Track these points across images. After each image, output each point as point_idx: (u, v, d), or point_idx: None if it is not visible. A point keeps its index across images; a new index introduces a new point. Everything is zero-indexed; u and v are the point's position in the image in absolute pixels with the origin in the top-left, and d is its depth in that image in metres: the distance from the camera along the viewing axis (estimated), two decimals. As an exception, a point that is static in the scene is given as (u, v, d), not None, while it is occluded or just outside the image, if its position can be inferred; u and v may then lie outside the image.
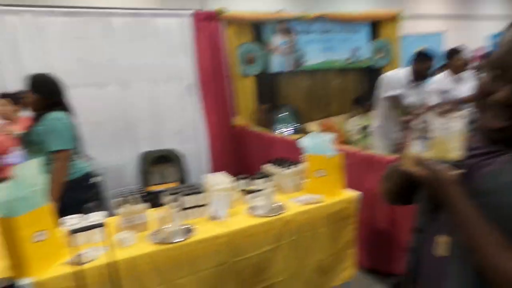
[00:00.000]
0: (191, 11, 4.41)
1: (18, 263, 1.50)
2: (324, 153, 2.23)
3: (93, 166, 2.82)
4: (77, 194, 2.43)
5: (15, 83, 3.70)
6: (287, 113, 5.04)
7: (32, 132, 2.42)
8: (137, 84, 4.26)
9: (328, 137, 2.24)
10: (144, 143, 4.36)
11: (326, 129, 5.11)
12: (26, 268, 1.49)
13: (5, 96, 3.34)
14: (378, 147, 3.60)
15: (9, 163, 3.03)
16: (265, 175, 2.28)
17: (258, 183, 2.26)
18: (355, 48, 5.49)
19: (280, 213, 2.05)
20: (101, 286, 1.56)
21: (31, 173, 1.57)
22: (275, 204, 2.13)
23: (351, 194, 2.31)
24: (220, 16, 4.49)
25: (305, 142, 2.31)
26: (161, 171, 4.35)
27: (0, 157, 3.24)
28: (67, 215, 1.96)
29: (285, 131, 4.86)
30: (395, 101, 3.47)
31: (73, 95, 3.95)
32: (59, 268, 1.57)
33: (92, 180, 2.63)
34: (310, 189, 2.37)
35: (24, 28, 3.75)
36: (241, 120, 4.75)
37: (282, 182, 2.37)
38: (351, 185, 2.41)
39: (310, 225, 2.13)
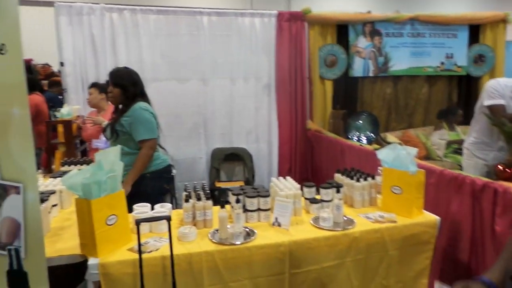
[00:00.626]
0: (276, 12, 4.39)
1: (89, 243, 1.59)
2: (405, 168, 2.02)
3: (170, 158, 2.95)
4: (159, 184, 2.56)
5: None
6: (363, 120, 4.76)
7: (118, 123, 2.51)
8: (216, 81, 4.37)
9: (411, 151, 2.03)
10: (216, 139, 4.47)
11: (406, 141, 4.72)
12: (95, 249, 1.57)
13: (94, 85, 3.65)
14: (468, 167, 3.17)
15: (96, 147, 3.30)
16: (335, 185, 2.14)
17: (326, 193, 2.13)
18: (449, 54, 4.99)
19: (347, 228, 1.90)
20: (157, 277, 1.59)
21: (110, 160, 1.65)
22: (343, 218, 1.99)
23: (430, 217, 2.07)
24: (305, 17, 4.40)
25: (384, 154, 2.12)
26: (229, 169, 4.42)
27: (89, 141, 3.56)
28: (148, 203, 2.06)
29: (359, 139, 4.60)
30: (500, 112, 2.95)
31: (156, 88, 4.24)
32: (123, 253, 1.64)
33: (173, 172, 2.78)
34: (383, 206, 2.18)
35: (122, 24, 4.08)
36: (315, 124, 4.62)
37: (353, 195, 2.21)
38: (430, 207, 2.16)
39: (380, 245, 1.94)
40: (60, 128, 3.36)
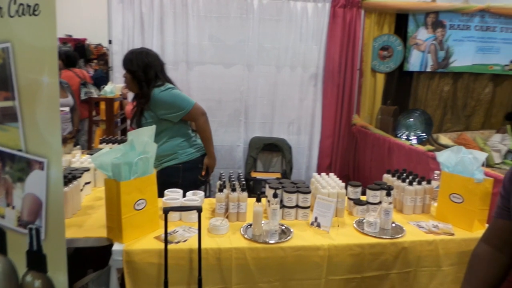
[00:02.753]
0: (330, -4, 4.13)
1: (115, 227, 1.51)
2: (469, 175, 1.76)
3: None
4: (193, 176, 2.32)
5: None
6: (415, 119, 4.40)
7: (143, 117, 2.22)
8: (261, 68, 4.21)
9: (479, 156, 1.76)
10: (256, 128, 4.33)
11: (462, 144, 4.30)
12: (121, 234, 1.48)
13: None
14: None
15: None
16: (385, 187, 1.91)
17: (374, 195, 1.91)
18: (521, 52, 4.47)
19: (396, 237, 1.68)
20: (182, 270, 1.48)
21: (143, 141, 1.55)
22: (391, 225, 1.77)
23: (495, 233, 1.79)
24: (362, 3, 4.10)
25: (445, 156, 1.87)
26: (267, 159, 4.27)
27: (130, 117, 3.54)
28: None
29: (409, 138, 4.26)
30: None
31: (200, 71, 4.16)
32: (149, 241, 1.54)
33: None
34: (438, 215, 1.93)
35: (172, 4, 4.01)
36: (361, 119, 4.34)
37: (403, 199, 1.98)
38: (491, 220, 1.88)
39: (433, 259, 1.71)
40: (102, 106, 3.37)
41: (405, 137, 4.23)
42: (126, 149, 1.49)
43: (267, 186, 1.92)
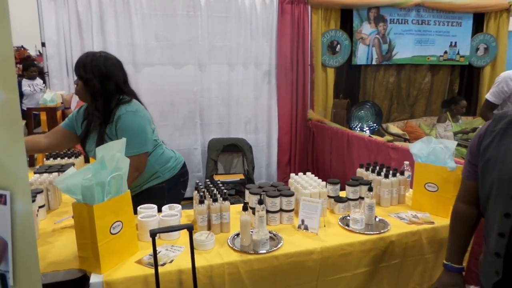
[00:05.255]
0: (277, -8, 4.11)
1: (90, 256, 1.32)
2: (442, 164, 1.82)
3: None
4: (176, 192, 2.04)
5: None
6: (367, 110, 4.57)
7: (103, 138, 1.79)
8: (213, 67, 4.08)
9: (450, 145, 1.83)
10: (213, 129, 4.20)
11: (409, 132, 4.58)
12: (98, 263, 1.30)
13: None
14: None
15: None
16: (364, 182, 1.92)
17: (354, 191, 1.90)
18: (453, 42, 4.84)
19: (383, 231, 1.69)
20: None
21: (114, 156, 1.37)
22: (377, 219, 1.78)
23: (468, 217, 1.87)
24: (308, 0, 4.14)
25: (417, 148, 1.91)
26: (227, 161, 4.16)
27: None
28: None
29: (362, 130, 4.41)
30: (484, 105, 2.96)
31: (149, 73, 3.92)
32: (131, 266, 1.37)
33: (186, 175, 2.15)
34: (414, 204, 1.98)
35: (111, 2, 3.71)
36: (316, 114, 4.40)
37: (380, 192, 2.00)
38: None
39: (417, 249, 1.75)
40: (43, 116, 3.02)
41: (359, 128, 4.37)
42: (96, 168, 1.31)
43: (247, 192, 1.84)
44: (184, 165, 2.11)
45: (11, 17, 0.91)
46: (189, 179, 2.18)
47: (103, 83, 1.77)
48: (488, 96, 3.04)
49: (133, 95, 1.87)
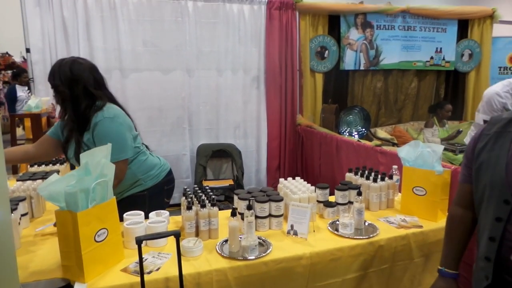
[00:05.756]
0: (265, -1, 4.13)
1: (73, 265, 1.28)
2: (430, 167, 1.83)
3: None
4: (159, 200, 1.98)
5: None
6: (355, 115, 4.60)
7: (80, 145, 1.77)
8: (202, 72, 4.07)
9: (437, 149, 1.84)
10: (201, 135, 4.17)
11: (397, 136, 4.62)
12: (82, 272, 1.27)
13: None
14: None
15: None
16: (353, 186, 1.92)
17: (343, 195, 1.90)
18: (438, 48, 4.92)
19: (372, 236, 1.68)
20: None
21: (99, 162, 1.34)
22: (366, 224, 1.78)
23: (456, 220, 1.88)
24: (296, 5, 4.16)
25: (405, 152, 1.92)
26: (216, 167, 4.14)
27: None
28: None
29: (351, 134, 4.44)
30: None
31: (136, 79, 3.88)
32: (116, 275, 1.34)
33: (171, 183, 2.10)
34: (403, 208, 1.99)
35: (98, 7, 3.68)
36: (305, 119, 4.41)
37: (369, 197, 2.00)
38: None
39: (406, 253, 1.74)
40: (27, 123, 2.96)
41: (347, 133, 4.40)
42: (80, 174, 1.28)
43: (235, 197, 1.82)
44: (169, 172, 2.05)
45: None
46: (177, 186, 2.14)
47: (71, 87, 1.72)
48: (483, 116, 2.92)
49: (109, 99, 1.81)
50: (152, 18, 3.83)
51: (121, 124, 1.76)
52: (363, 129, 4.48)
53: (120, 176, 1.74)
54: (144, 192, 1.90)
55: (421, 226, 1.80)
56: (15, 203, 1.66)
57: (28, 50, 3.60)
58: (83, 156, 1.30)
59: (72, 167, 2.48)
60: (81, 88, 1.73)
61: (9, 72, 6.33)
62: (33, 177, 2.15)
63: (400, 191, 2.09)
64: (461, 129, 4.34)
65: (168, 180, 2.03)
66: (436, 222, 1.85)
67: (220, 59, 4.08)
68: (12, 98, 4.99)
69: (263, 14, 4.14)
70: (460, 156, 3.94)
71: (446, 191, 1.88)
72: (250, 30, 4.13)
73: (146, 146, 2.03)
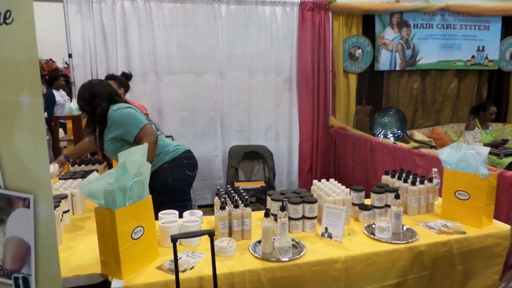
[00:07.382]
0: (298, 0, 4.09)
1: (111, 261, 1.31)
2: (474, 171, 1.73)
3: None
4: (181, 173, 2.22)
5: (122, 66, 3.78)
6: (390, 117, 4.46)
7: (105, 142, 2.18)
8: (234, 74, 4.10)
9: (482, 151, 1.74)
10: (233, 136, 4.20)
11: (436, 139, 4.43)
12: (119, 268, 1.29)
13: (111, 78, 3.36)
14: None
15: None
16: (390, 189, 1.85)
17: (380, 198, 1.84)
18: (481, 47, 4.68)
19: (411, 241, 1.61)
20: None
21: (136, 161, 1.37)
22: (404, 228, 1.71)
23: (502, 227, 1.78)
24: (329, 6, 4.11)
25: (446, 154, 1.84)
26: (248, 168, 4.14)
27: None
28: (173, 196, 2.01)
29: (386, 137, 4.30)
30: None
31: (170, 81, 3.97)
32: (151, 272, 1.36)
33: (192, 160, 2.33)
34: (443, 213, 1.89)
35: (135, 13, 3.80)
36: (338, 120, 4.33)
37: (407, 200, 1.92)
38: (498, 215, 1.87)
39: (448, 260, 1.66)
40: (69, 125, 3.10)
41: (382, 135, 4.27)
42: (118, 173, 1.31)
43: (268, 198, 1.80)
44: (188, 150, 2.30)
45: (41, 31, 0.93)
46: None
47: (92, 104, 2.14)
48: None
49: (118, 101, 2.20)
50: (185, 22, 3.90)
51: (125, 108, 2.13)
52: (399, 131, 4.33)
53: (152, 136, 2.09)
54: (165, 165, 2.17)
55: (464, 232, 1.71)
56: (57, 200, 1.73)
57: (70, 56, 3.77)
58: (121, 155, 1.34)
59: (110, 167, 2.58)
60: (99, 102, 2.14)
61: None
62: (73, 176, 2.24)
63: (440, 195, 2.00)
64: (508, 138, 4.07)
65: (187, 156, 2.28)
66: (480, 228, 1.75)
67: (252, 61, 4.09)
68: (51, 102, 5.21)
69: (295, 16, 4.11)
70: (505, 160, 3.72)
71: (492, 196, 1.77)
72: (282, 31, 4.12)
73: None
